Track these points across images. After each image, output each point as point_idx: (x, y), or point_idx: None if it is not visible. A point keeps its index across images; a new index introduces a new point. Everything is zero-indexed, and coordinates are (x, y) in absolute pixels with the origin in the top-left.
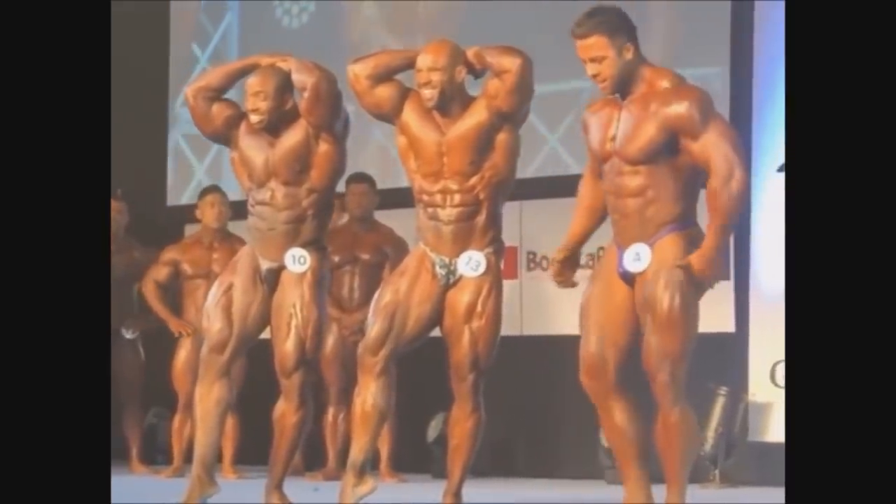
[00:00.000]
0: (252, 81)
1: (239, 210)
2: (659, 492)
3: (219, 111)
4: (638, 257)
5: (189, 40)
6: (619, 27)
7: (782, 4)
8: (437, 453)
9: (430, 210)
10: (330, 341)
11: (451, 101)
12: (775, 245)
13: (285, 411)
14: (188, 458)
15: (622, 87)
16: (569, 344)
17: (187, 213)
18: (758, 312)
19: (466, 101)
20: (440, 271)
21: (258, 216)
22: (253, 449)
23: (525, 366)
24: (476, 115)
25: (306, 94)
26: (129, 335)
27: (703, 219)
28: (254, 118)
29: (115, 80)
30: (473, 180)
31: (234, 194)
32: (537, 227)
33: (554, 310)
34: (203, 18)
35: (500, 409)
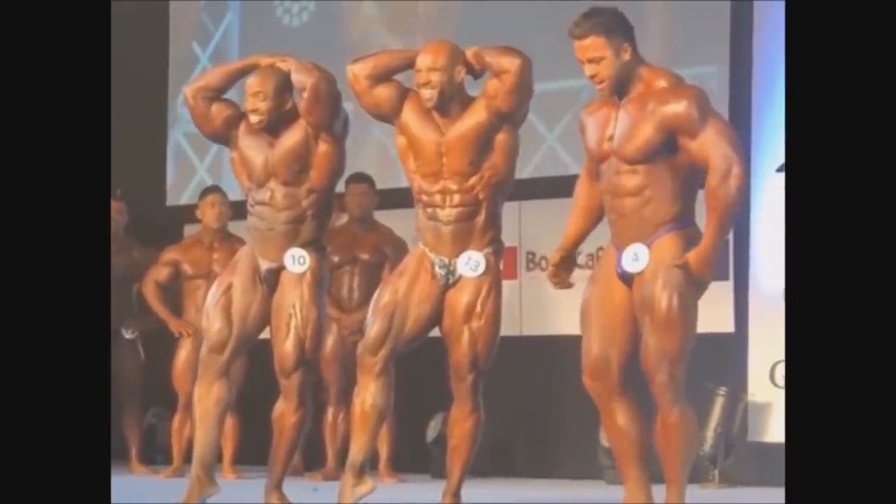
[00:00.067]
0: (251, 82)
1: (239, 210)
2: (658, 492)
3: (218, 111)
4: (636, 257)
5: (190, 39)
6: (617, 28)
7: (781, 4)
8: (436, 453)
9: (429, 210)
10: (329, 341)
11: (451, 102)
12: (775, 245)
13: (284, 411)
14: (188, 458)
15: (620, 87)
16: (568, 344)
17: (186, 214)
18: (757, 312)
19: (466, 102)
20: (439, 271)
21: (257, 216)
22: (252, 449)
23: (524, 366)
24: (475, 116)
25: (306, 95)
26: (128, 335)
27: (702, 219)
28: (253, 118)
29: (114, 81)
30: (473, 180)
31: (234, 194)
32: (537, 227)
33: (553, 310)
34: (204, 17)
35: (500, 409)
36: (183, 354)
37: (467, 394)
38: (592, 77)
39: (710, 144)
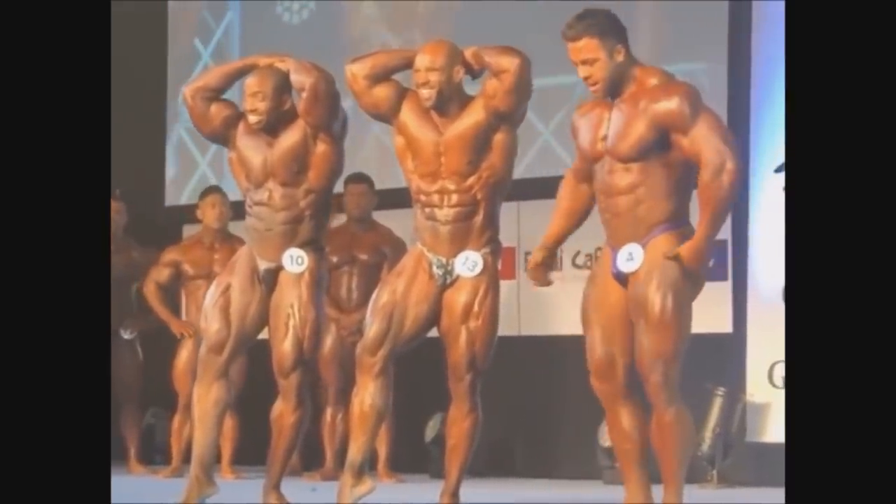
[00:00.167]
0: (250, 82)
1: (238, 210)
2: (657, 492)
3: (217, 111)
4: (630, 257)
5: (192, 36)
6: (610, 29)
7: (780, 4)
8: (434, 453)
9: (427, 210)
10: (328, 341)
11: (449, 101)
12: (773, 245)
13: (283, 411)
14: (187, 458)
15: (614, 89)
16: (567, 344)
17: (186, 214)
18: (756, 313)
19: (464, 101)
20: (437, 271)
21: (256, 217)
22: (251, 449)
23: (523, 366)
24: (474, 115)
25: (304, 95)
26: (127, 335)
27: (696, 219)
28: (252, 118)
29: (112, 81)
30: (471, 180)
31: (234, 195)
32: (535, 227)
33: (551, 310)
34: (206, 14)
35: (498, 409)
36: (184, 355)
37: (465, 394)
38: (586, 79)
39: (703, 139)
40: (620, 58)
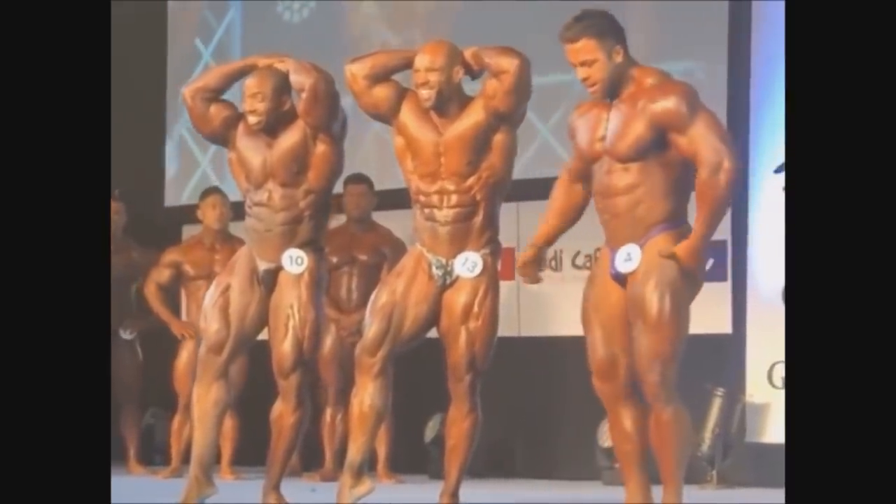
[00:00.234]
0: (250, 82)
1: (239, 211)
2: (657, 493)
3: (217, 112)
4: (629, 257)
5: (193, 35)
6: (608, 30)
7: (779, 4)
8: (434, 454)
9: (426, 211)
10: (328, 342)
11: (449, 102)
12: (773, 246)
13: (283, 412)
14: (186, 458)
15: (612, 89)
16: (566, 345)
17: (185, 214)
18: (755, 313)
19: (464, 102)
20: (437, 272)
21: (255, 217)
22: (251, 449)
23: (523, 366)
24: (473, 116)
25: (304, 95)
26: (126, 336)
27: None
28: (252, 119)
29: (112, 81)
30: (470, 181)
31: (234, 195)
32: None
33: (551, 311)
34: (206, 13)
35: (498, 409)
36: (185, 356)
37: (465, 394)
38: (585, 80)
39: (700, 138)
40: (619, 58)
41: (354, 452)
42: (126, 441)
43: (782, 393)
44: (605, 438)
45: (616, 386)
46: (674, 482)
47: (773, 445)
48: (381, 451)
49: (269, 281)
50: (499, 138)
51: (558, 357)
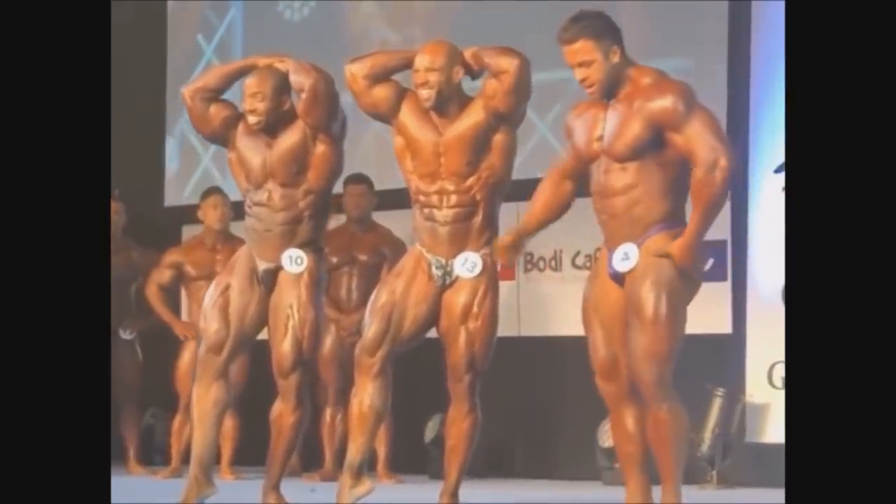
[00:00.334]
0: (250, 82)
1: (239, 211)
2: (656, 492)
3: (216, 112)
4: (626, 257)
5: (194, 33)
6: (605, 30)
7: (779, 4)
8: (434, 454)
9: (426, 211)
10: (328, 342)
11: (449, 102)
12: (773, 246)
13: (282, 412)
14: (186, 458)
15: (610, 90)
16: (566, 345)
17: (185, 214)
18: (755, 313)
19: (464, 102)
20: (436, 272)
21: (255, 217)
22: (250, 449)
23: (523, 367)
24: (473, 116)
25: (304, 96)
26: (126, 336)
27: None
28: (251, 119)
29: (112, 81)
30: (470, 181)
31: (234, 195)
32: None
33: (551, 311)
34: (208, 12)
35: (498, 409)
36: (186, 356)
37: (464, 394)
38: (582, 81)
39: (697, 136)
40: (616, 58)
41: (354, 452)
42: (126, 441)
43: (782, 393)
44: (605, 438)
45: (619, 386)
46: (672, 481)
47: (773, 445)
48: (381, 451)
49: (269, 281)
50: (498, 138)
51: (558, 357)
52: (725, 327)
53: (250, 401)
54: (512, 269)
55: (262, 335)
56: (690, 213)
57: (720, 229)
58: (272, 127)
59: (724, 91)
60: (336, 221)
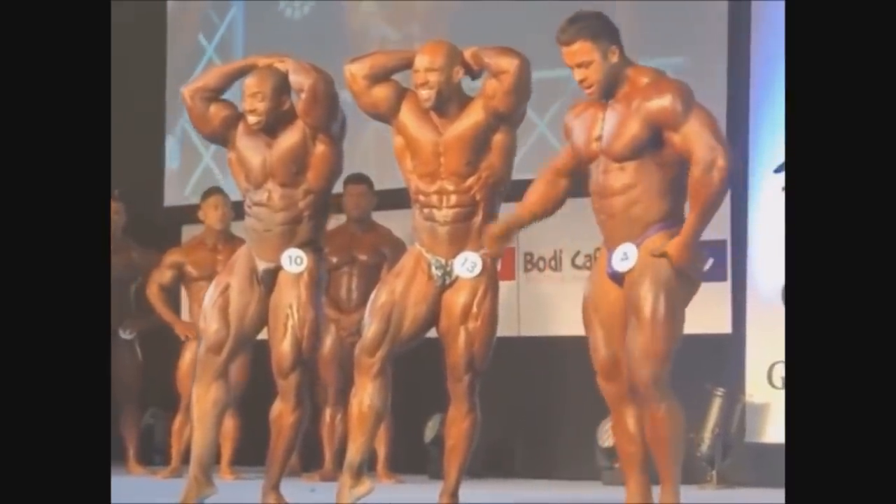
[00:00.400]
0: (249, 82)
1: (239, 211)
2: (656, 492)
3: (216, 112)
4: (625, 256)
5: (196, 31)
6: (603, 31)
7: (778, 4)
8: (433, 454)
9: (426, 211)
10: (328, 342)
11: (449, 102)
12: (772, 246)
13: (282, 412)
14: (186, 458)
15: (609, 90)
16: (566, 345)
17: (185, 214)
18: (755, 313)
19: (464, 102)
20: (436, 272)
21: (255, 217)
22: (250, 449)
23: (522, 367)
24: (473, 116)
25: (304, 96)
26: (126, 336)
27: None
28: (251, 119)
29: (112, 81)
30: (470, 181)
31: (235, 195)
32: (535, 228)
33: (551, 311)
34: (209, 10)
35: (498, 409)
36: (188, 356)
37: (464, 394)
38: (581, 82)
39: (694, 135)
40: (615, 59)
41: (354, 452)
42: (126, 441)
43: (782, 393)
44: (604, 438)
45: (620, 386)
46: (671, 481)
47: (773, 445)
48: (381, 451)
49: (269, 281)
50: (498, 138)
51: (558, 357)
52: (725, 327)
53: (250, 401)
54: (512, 269)
55: (262, 335)
56: (688, 212)
57: (720, 229)
58: (272, 127)
59: (724, 91)
60: (336, 221)
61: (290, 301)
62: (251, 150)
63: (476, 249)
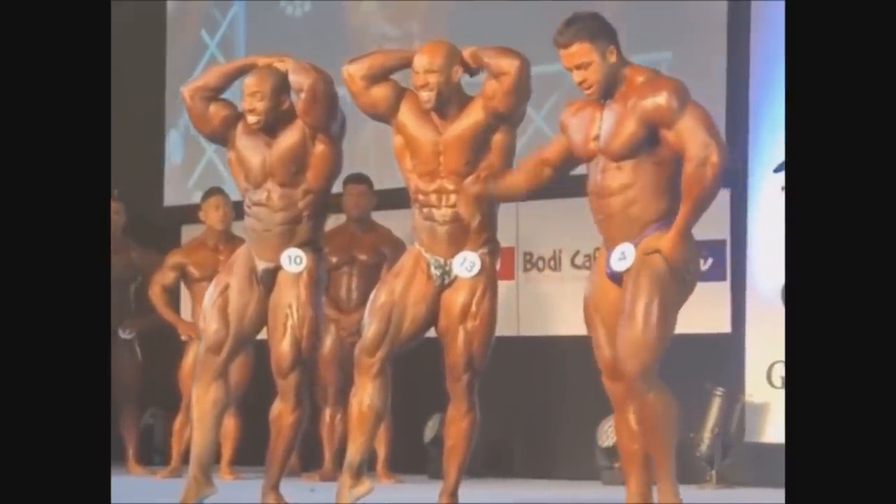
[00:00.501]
0: (249, 82)
1: (239, 211)
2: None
3: (216, 111)
4: (623, 256)
5: (198, 28)
6: (600, 31)
7: (778, 4)
8: (433, 454)
9: (425, 210)
10: (328, 342)
11: (448, 102)
12: (772, 245)
13: (282, 411)
14: (186, 458)
15: (608, 90)
16: (566, 345)
17: (185, 214)
18: (754, 313)
19: (463, 102)
20: (435, 272)
21: (254, 217)
22: (250, 449)
23: (522, 366)
24: (473, 116)
25: (303, 95)
26: (126, 336)
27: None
28: (251, 119)
29: (112, 80)
30: (469, 180)
31: (235, 195)
32: (534, 227)
33: (551, 310)
34: (212, 7)
35: (497, 409)
36: (190, 356)
37: (463, 394)
38: (581, 83)
39: (688, 132)
40: (613, 58)
41: (353, 452)
42: (125, 441)
43: (782, 393)
44: (604, 438)
45: (624, 384)
46: (667, 479)
47: (773, 445)
48: (381, 451)
49: (268, 280)
50: (498, 138)
51: (558, 357)
52: (725, 327)
53: (250, 401)
54: (511, 269)
55: (263, 335)
56: (680, 208)
57: (720, 229)
58: (271, 126)
59: (724, 91)
60: (336, 221)
61: (290, 301)
62: (251, 150)
63: (475, 249)
